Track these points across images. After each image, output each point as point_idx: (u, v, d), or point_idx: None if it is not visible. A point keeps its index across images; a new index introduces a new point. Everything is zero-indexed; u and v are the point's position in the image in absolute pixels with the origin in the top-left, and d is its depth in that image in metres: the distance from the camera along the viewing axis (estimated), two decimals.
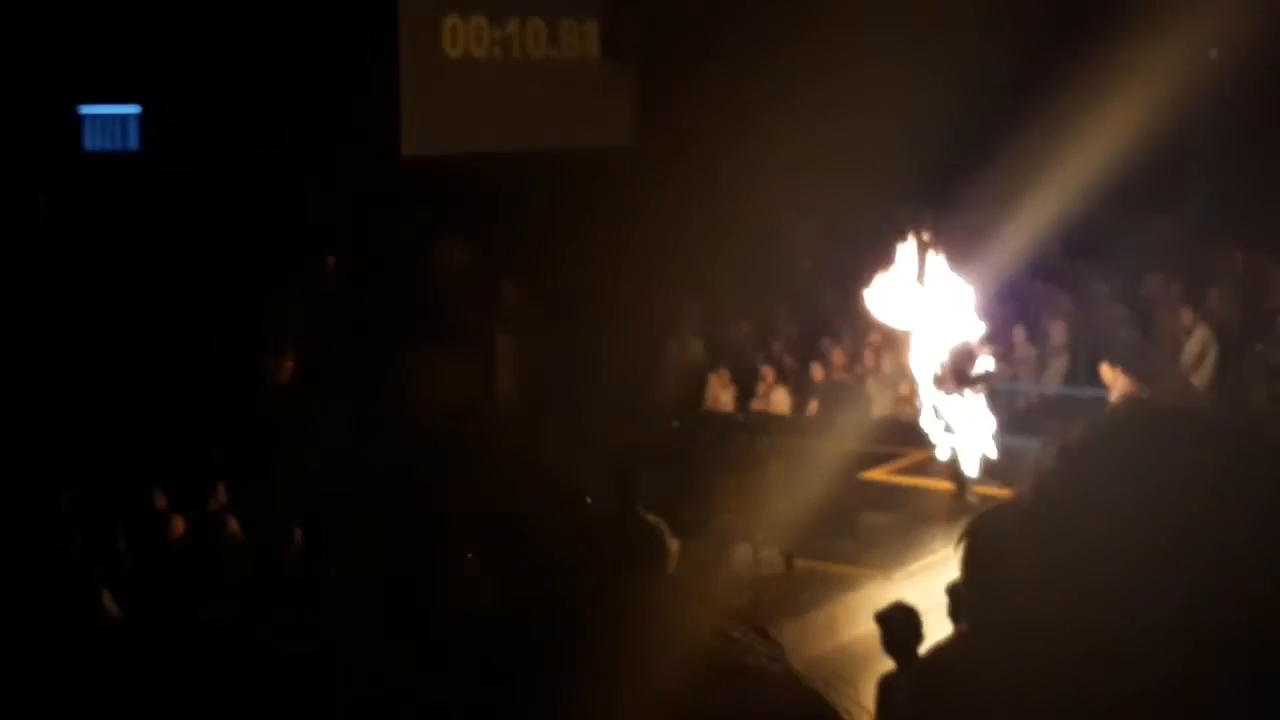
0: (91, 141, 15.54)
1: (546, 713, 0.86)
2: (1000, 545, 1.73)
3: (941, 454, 12.53)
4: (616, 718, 0.85)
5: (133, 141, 15.66)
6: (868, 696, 6.78)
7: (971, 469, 12.25)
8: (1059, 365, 15.58)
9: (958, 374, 12.33)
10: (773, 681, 0.93)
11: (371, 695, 0.87)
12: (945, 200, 14.63)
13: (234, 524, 10.83)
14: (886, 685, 6.89)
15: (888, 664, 7.01)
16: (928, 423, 12.49)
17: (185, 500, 11.07)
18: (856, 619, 9.50)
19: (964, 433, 12.36)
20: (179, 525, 10.69)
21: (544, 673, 0.86)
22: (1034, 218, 14.41)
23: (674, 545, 8.99)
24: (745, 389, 15.99)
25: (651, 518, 9.04)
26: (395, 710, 0.87)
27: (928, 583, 9.78)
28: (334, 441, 12.04)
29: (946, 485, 12.62)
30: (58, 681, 7.26)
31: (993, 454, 12.31)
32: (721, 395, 15.98)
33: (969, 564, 1.52)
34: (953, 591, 7.21)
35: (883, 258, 12.43)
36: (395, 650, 0.89)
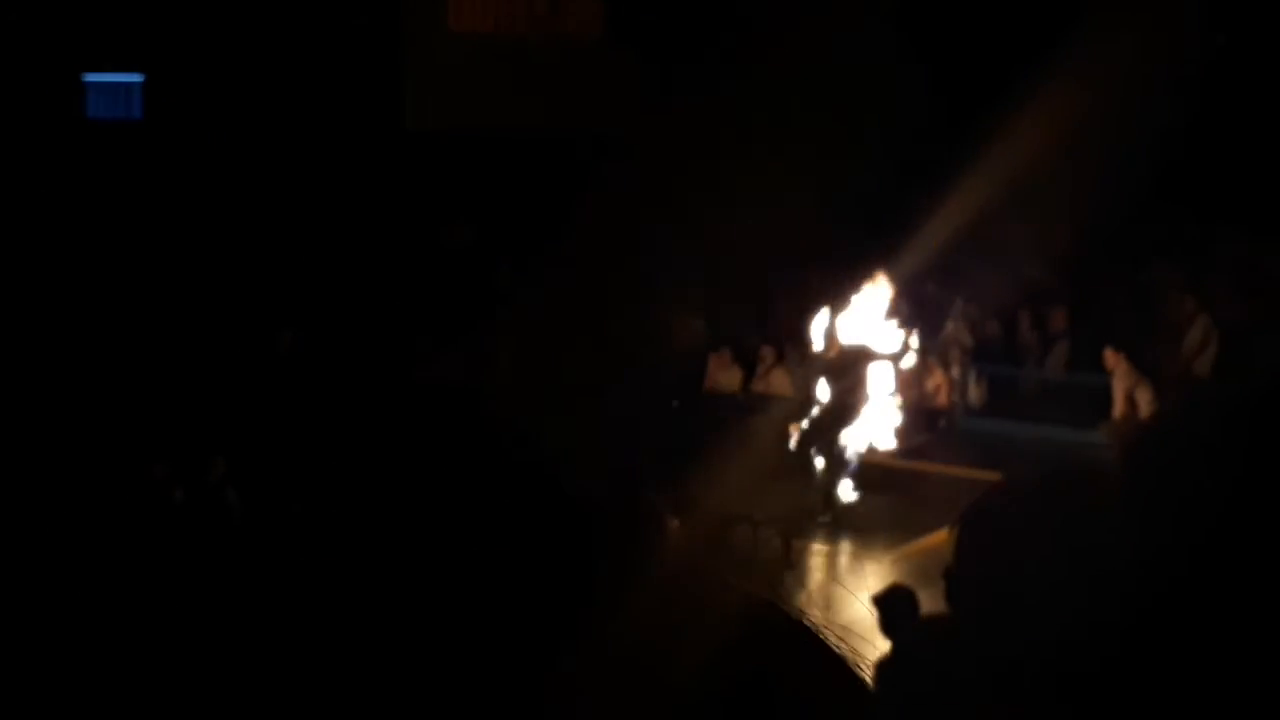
0: (95, 109, 15.53)
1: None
2: (995, 529, 1.71)
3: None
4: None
5: (136, 110, 15.65)
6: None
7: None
8: (1061, 351, 15.57)
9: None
10: (824, 649, 0.94)
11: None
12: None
13: (233, 495, 10.83)
14: (883, 668, 6.90)
15: (885, 645, 7.02)
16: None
17: (185, 472, 11.06)
18: (853, 600, 9.51)
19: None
20: (178, 495, 10.68)
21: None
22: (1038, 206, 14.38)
23: (673, 524, 9.00)
24: (746, 369, 15.96)
25: (652, 496, 9.04)
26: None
27: (925, 564, 9.81)
28: (339, 415, 12.03)
29: (944, 468, 12.66)
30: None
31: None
32: (722, 376, 15.95)
33: (962, 549, 1.53)
34: (949, 574, 7.23)
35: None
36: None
